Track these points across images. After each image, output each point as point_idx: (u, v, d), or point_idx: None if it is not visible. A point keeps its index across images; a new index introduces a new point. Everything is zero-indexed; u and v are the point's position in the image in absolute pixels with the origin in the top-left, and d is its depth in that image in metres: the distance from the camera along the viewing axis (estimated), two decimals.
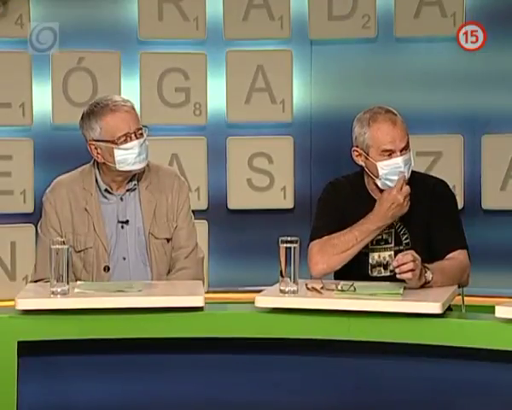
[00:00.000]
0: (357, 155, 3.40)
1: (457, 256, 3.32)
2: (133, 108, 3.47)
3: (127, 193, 3.51)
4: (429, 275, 3.15)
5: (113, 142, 3.39)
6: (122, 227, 3.48)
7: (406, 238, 3.35)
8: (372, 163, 3.35)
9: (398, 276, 3.10)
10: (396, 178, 3.33)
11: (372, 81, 5.11)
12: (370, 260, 3.33)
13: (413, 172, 3.43)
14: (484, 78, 5.06)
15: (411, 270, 3.07)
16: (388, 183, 3.35)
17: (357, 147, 3.40)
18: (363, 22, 5.05)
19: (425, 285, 3.15)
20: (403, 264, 3.07)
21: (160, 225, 3.50)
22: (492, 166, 5.05)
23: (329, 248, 3.29)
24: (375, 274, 3.36)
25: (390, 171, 3.32)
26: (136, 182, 3.51)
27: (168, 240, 3.51)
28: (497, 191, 5.05)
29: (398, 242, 3.35)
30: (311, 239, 3.35)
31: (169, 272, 3.52)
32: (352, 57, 5.13)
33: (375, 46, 5.12)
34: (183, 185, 3.59)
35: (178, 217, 3.53)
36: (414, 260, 3.07)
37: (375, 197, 3.41)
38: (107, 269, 3.46)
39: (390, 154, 3.32)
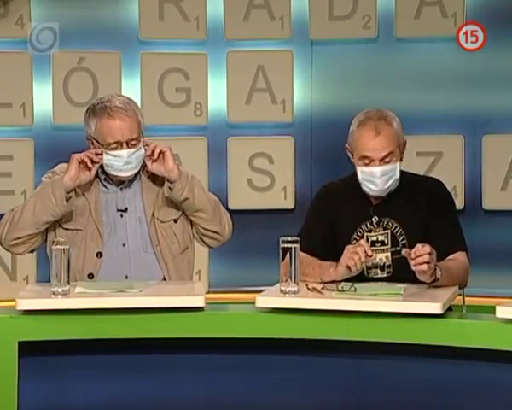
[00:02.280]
0: (347, 150, 3.42)
1: (458, 258, 3.31)
2: (133, 115, 3.42)
3: (128, 184, 3.50)
4: (439, 273, 3.14)
5: (103, 145, 3.40)
6: (121, 216, 3.48)
7: (403, 239, 3.33)
8: (355, 164, 3.37)
9: (413, 267, 3.07)
10: (370, 186, 3.32)
11: (372, 81, 5.11)
12: (366, 262, 3.31)
13: (408, 173, 3.43)
14: (485, 78, 5.06)
15: (427, 262, 3.06)
16: (365, 188, 3.34)
17: (348, 143, 3.41)
18: (364, 22, 5.06)
19: (433, 283, 3.15)
20: (420, 255, 3.06)
21: (164, 208, 3.49)
22: (493, 167, 5.05)
23: (301, 268, 3.22)
24: (371, 276, 3.35)
25: (365, 178, 3.32)
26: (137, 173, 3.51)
27: (176, 220, 3.51)
28: (497, 192, 5.06)
29: (394, 243, 3.34)
30: None
31: (186, 250, 3.51)
32: (353, 57, 5.13)
33: (376, 46, 5.12)
34: (185, 169, 3.58)
35: None
36: (430, 253, 3.07)
37: (368, 196, 3.40)
38: (99, 255, 3.44)
39: (368, 162, 3.31)
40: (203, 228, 3.51)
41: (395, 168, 3.31)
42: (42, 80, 5.02)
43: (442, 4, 5.06)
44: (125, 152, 3.39)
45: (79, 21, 5.04)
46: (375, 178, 3.30)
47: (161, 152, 3.42)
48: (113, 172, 3.43)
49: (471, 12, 5.04)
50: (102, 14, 5.08)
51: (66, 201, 3.36)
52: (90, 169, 3.37)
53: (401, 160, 3.36)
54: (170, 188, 3.44)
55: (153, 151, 3.41)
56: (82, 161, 3.36)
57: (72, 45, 5.01)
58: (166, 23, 5.08)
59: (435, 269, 3.11)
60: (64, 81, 5.01)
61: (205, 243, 3.60)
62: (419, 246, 3.08)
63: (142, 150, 3.43)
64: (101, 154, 3.38)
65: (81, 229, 3.44)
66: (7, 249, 3.49)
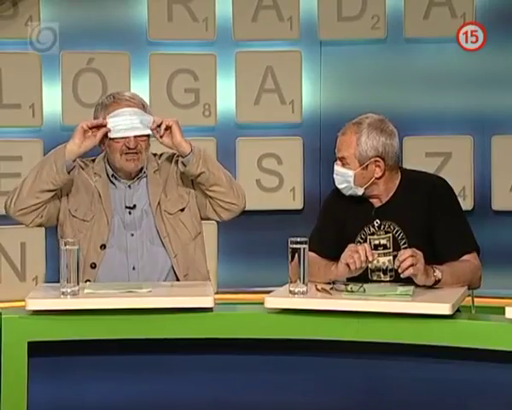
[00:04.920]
0: None
1: (468, 258, 3.30)
2: (140, 105, 3.44)
3: (136, 181, 3.51)
4: (438, 273, 3.14)
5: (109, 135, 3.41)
6: (130, 213, 3.48)
7: (404, 243, 3.31)
8: None
9: (402, 276, 3.10)
10: (337, 185, 3.37)
11: (381, 82, 5.11)
12: (369, 265, 3.31)
13: (410, 171, 3.44)
14: (493, 78, 5.06)
15: (411, 265, 3.07)
16: None
17: None
18: (373, 23, 5.06)
19: (436, 284, 3.15)
20: (403, 260, 3.07)
21: (171, 200, 3.49)
22: (502, 167, 5.04)
23: (310, 269, 3.23)
24: (374, 279, 3.35)
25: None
26: (145, 170, 3.52)
27: (182, 209, 3.51)
28: (507, 192, 5.05)
29: (396, 247, 3.32)
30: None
31: (196, 237, 3.51)
32: (362, 58, 5.13)
33: (385, 47, 5.12)
34: (196, 144, 3.57)
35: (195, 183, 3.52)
36: (413, 255, 3.07)
37: (369, 198, 3.41)
38: (103, 247, 3.44)
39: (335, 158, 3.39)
40: (221, 201, 3.48)
41: (345, 174, 3.34)
42: (51, 81, 5.03)
43: (451, 5, 5.06)
44: (127, 110, 3.39)
45: (88, 22, 5.05)
46: (334, 175, 3.37)
47: (168, 127, 3.40)
48: (119, 135, 3.38)
49: (480, 12, 5.04)
50: (112, 15, 5.09)
51: (69, 171, 3.37)
52: (95, 135, 3.37)
53: (378, 177, 3.33)
54: (183, 163, 3.42)
55: (159, 126, 3.40)
56: (90, 128, 3.35)
57: (81, 46, 5.02)
58: (175, 24, 5.08)
59: (434, 271, 3.12)
60: (73, 82, 5.02)
61: (220, 215, 3.53)
62: (401, 252, 3.11)
63: (149, 117, 3.42)
64: (105, 124, 3.37)
65: (88, 220, 3.44)
66: (16, 220, 3.47)
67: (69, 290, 3.02)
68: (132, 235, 3.46)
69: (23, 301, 3.03)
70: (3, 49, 5.00)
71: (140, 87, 5.01)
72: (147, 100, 4.91)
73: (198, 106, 5.09)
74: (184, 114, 5.08)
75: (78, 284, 3.03)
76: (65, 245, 3.02)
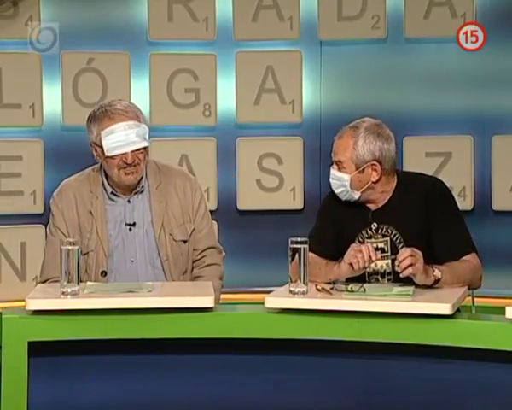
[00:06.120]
0: None
1: (467, 259, 3.30)
2: (134, 117, 3.39)
3: (135, 195, 3.49)
4: (438, 273, 3.14)
5: (105, 150, 3.38)
6: (130, 230, 3.47)
7: (402, 247, 3.30)
8: None
9: (401, 275, 3.10)
10: (333, 189, 3.38)
11: (381, 82, 5.11)
12: (367, 269, 3.31)
13: (403, 173, 3.45)
14: (494, 78, 5.05)
15: (411, 264, 3.06)
16: None
17: None
18: (373, 23, 5.05)
19: (436, 284, 3.14)
20: (402, 260, 3.08)
21: (180, 228, 3.49)
22: (502, 167, 5.03)
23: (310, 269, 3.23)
24: (372, 281, 3.35)
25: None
26: (143, 184, 3.50)
27: (185, 241, 3.51)
28: (507, 192, 5.04)
29: (394, 251, 3.32)
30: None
31: (185, 273, 3.53)
32: (362, 58, 5.13)
33: (385, 47, 5.11)
34: (195, 184, 3.58)
35: (195, 219, 3.52)
36: (412, 255, 3.07)
37: (366, 202, 3.41)
38: (104, 274, 3.44)
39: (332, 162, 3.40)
40: None
41: (341, 178, 3.35)
42: (51, 81, 5.03)
43: (451, 5, 5.05)
44: (121, 125, 3.34)
45: (88, 22, 5.04)
46: (330, 179, 3.38)
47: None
48: (116, 153, 3.35)
49: (480, 12, 5.03)
50: (112, 14, 5.09)
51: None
52: None
53: (375, 181, 3.33)
54: None
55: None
56: None
57: (81, 46, 5.01)
58: (175, 24, 5.08)
59: (433, 271, 3.12)
60: (73, 82, 5.01)
61: None
62: (400, 252, 3.12)
63: (145, 127, 3.39)
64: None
65: (92, 249, 3.45)
66: None
67: (69, 290, 3.02)
68: (132, 261, 3.47)
69: (23, 301, 3.04)
70: (3, 49, 4.99)
71: (140, 87, 5.01)
72: (147, 100, 4.97)
73: (198, 106, 5.09)
74: (184, 113, 5.08)
75: (78, 283, 3.03)
76: (65, 245, 3.02)
